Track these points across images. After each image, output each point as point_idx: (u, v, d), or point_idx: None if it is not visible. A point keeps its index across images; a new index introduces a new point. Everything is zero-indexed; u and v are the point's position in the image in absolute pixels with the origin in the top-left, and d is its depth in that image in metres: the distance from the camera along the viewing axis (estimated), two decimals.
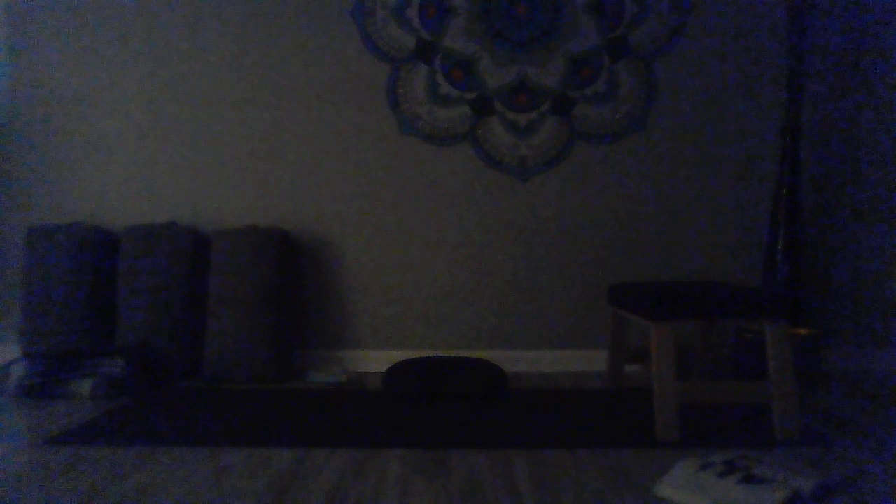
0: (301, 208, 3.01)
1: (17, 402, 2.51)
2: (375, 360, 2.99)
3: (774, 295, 2.04)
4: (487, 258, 3.00)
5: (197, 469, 1.80)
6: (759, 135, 2.94)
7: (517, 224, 2.99)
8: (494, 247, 3.00)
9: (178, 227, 2.93)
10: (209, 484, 1.70)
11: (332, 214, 3.01)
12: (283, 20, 2.97)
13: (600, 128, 2.97)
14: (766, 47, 2.92)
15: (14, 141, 3.06)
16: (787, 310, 2.04)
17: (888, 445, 1.95)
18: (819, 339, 2.69)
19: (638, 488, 1.65)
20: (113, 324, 2.92)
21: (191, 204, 3.04)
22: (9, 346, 3.03)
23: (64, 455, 1.91)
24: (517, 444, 1.98)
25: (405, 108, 2.98)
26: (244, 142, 3.01)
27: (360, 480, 1.71)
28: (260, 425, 2.19)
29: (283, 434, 2.09)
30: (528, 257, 3.00)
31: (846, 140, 2.95)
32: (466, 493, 1.63)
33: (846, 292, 2.96)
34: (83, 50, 3.02)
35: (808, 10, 2.75)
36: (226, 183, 3.03)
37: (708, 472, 1.62)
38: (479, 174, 2.99)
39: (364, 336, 3.02)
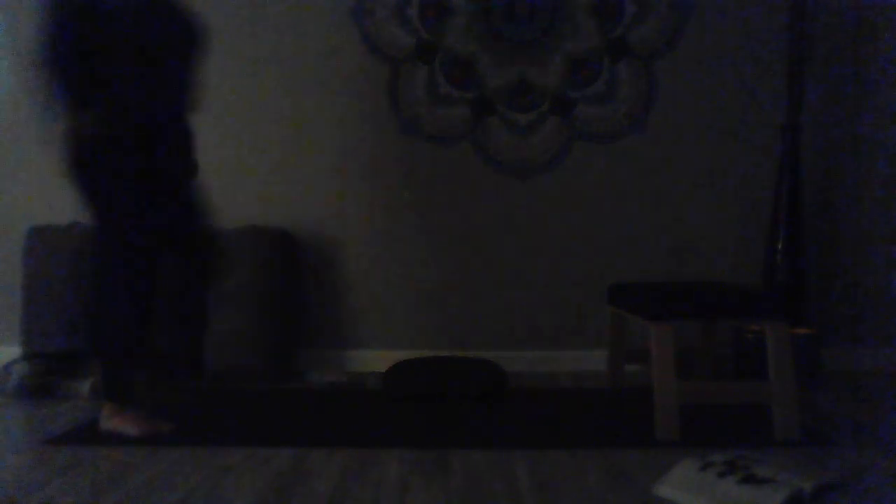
0: (301, 208, 3.01)
1: (17, 402, 2.51)
2: (375, 360, 2.98)
3: (774, 295, 2.04)
4: (487, 258, 3.00)
5: (197, 469, 1.80)
6: (759, 135, 2.94)
7: (517, 224, 2.99)
8: (494, 247, 3.00)
9: None
10: (209, 484, 1.70)
11: (332, 214, 3.01)
12: (282, 20, 2.97)
13: (600, 128, 2.96)
14: (766, 47, 2.92)
15: (14, 141, 3.06)
16: (787, 310, 2.04)
17: (888, 445, 1.95)
18: (819, 339, 2.69)
19: (638, 488, 1.65)
20: None
21: None
22: (9, 346, 3.02)
23: (64, 455, 1.91)
24: (517, 444, 1.98)
25: (405, 108, 2.98)
26: (244, 142, 3.01)
27: (360, 480, 1.71)
28: (260, 425, 2.19)
29: (283, 434, 2.09)
30: (528, 257, 2.99)
31: (846, 140, 2.95)
32: (466, 493, 1.63)
33: (846, 292, 2.96)
34: None
35: (808, 10, 2.75)
36: (226, 183, 3.03)
37: (708, 472, 1.62)
38: (479, 174, 2.99)
39: (364, 336, 3.02)
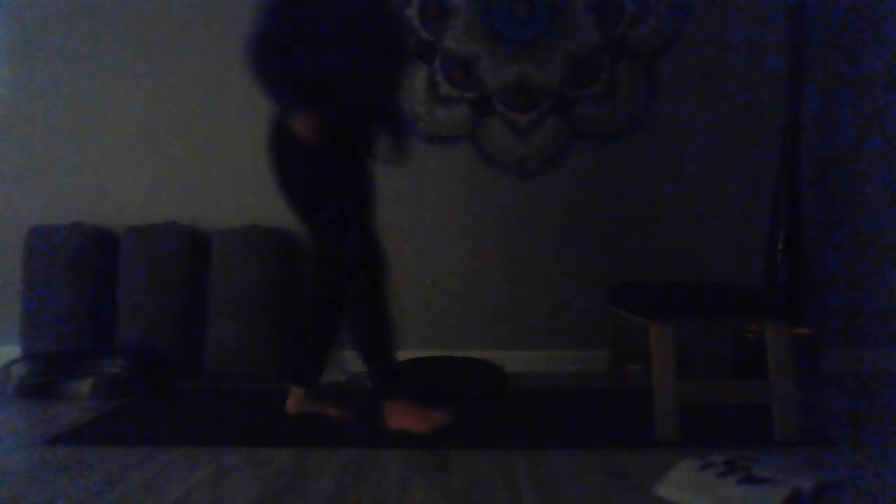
0: None
1: (17, 402, 2.51)
2: None
3: (774, 295, 2.04)
4: (487, 258, 3.00)
5: (197, 469, 1.80)
6: (759, 135, 2.94)
7: (517, 224, 2.99)
8: (494, 247, 3.00)
9: (178, 227, 2.93)
10: (209, 484, 1.70)
11: None
12: None
13: (600, 128, 2.96)
14: (766, 46, 2.92)
15: (14, 141, 3.06)
16: (787, 310, 2.04)
17: (888, 445, 1.95)
18: (819, 339, 2.69)
19: (638, 488, 1.65)
20: (113, 324, 2.92)
21: (191, 204, 3.03)
22: (9, 346, 3.02)
23: (64, 455, 1.91)
24: (517, 444, 1.98)
25: (405, 108, 2.97)
26: (244, 142, 3.00)
27: (360, 480, 1.71)
28: (260, 425, 2.19)
29: (283, 434, 2.09)
30: (528, 257, 2.99)
31: (846, 140, 2.95)
32: (466, 493, 1.63)
33: (846, 292, 2.96)
34: (83, 49, 3.02)
35: (808, 10, 2.75)
36: (226, 183, 3.03)
37: (708, 472, 1.62)
38: (479, 174, 2.99)
39: None
